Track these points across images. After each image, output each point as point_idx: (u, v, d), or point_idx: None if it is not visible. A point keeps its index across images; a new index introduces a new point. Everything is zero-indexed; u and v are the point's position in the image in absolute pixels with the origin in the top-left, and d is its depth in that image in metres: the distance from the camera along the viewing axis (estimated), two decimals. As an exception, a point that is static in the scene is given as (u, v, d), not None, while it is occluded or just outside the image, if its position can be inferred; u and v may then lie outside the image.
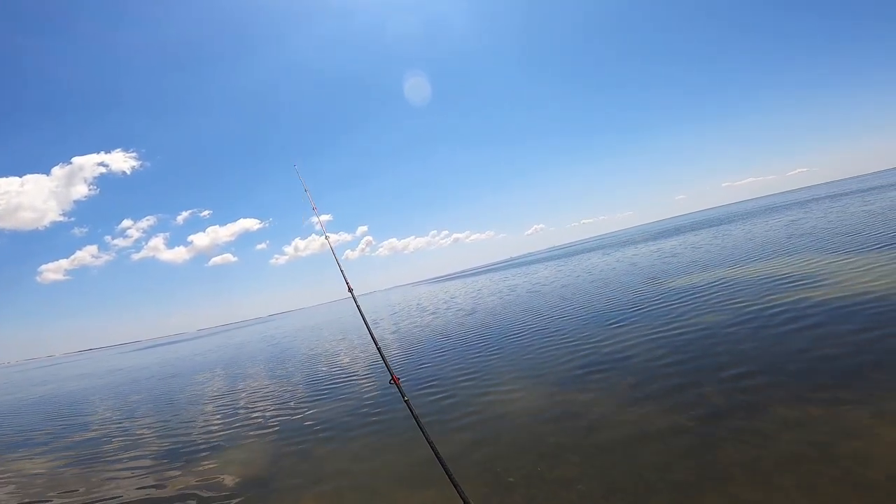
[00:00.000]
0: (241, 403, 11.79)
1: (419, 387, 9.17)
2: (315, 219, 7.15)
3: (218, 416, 10.80)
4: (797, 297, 9.41)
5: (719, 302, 10.57)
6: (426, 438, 3.16)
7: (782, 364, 6.11)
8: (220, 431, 9.46)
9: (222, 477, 6.71)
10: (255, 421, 9.71)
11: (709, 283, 13.14)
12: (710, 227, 46.09)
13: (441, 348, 13.18)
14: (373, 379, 11.27)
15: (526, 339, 11.51)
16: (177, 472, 7.33)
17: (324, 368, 14.47)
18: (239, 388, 14.40)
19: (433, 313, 24.89)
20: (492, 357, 10.52)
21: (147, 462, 8.21)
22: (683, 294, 12.51)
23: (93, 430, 11.92)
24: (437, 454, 3.02)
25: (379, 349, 4.20)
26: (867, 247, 13.26)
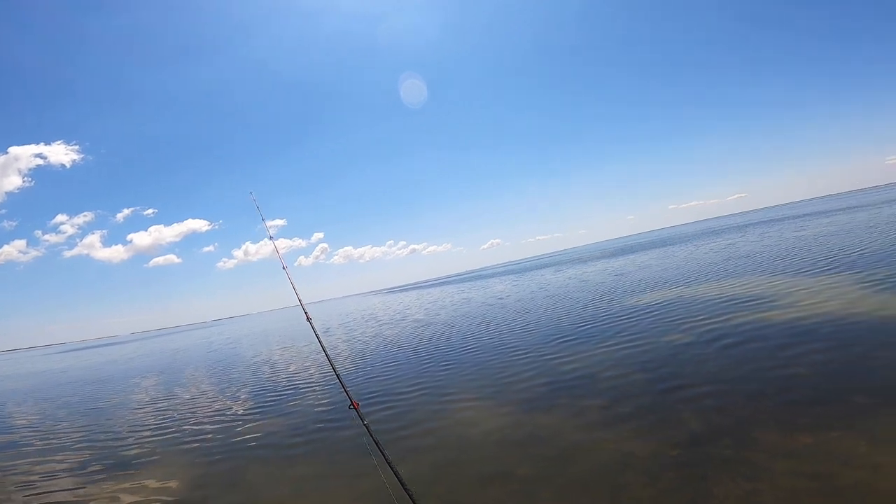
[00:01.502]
0: (169, 414, 10.66)
1: (371, 403, 8.43)
2: (278, 252, 6.49)
3: (139, 428, 9.66)
4: (754, 317, 9.46)
5: (678, 320, 10.50)
6: (391, 468, 2.98)
7: (757, 386, 5.87)
8: (139, 444, 8.44)
9: (132, 498, 5.72)
10: (183, 434, 8.72)
11: (665, 302, 13.20)
12: (658, 247, 47.84)
13: (396, 360, 12.51)
14: (323, 393, 10.35)
15: (485, 354, 11.00)
16: (80, 490, 6.31)
17: (268, 379, 13.37)
18: (169, 396, 13.17)
19: (388, 324, 24.06)
20: (450, 372, 9.93)
21: (39, 478, 7.13)
22: (641, 312, 12.46)
23: None
24: (404, 486, 2.89)
25: (338, 376, 4.00)
26: (806, 270, 13.86)
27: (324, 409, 8.99)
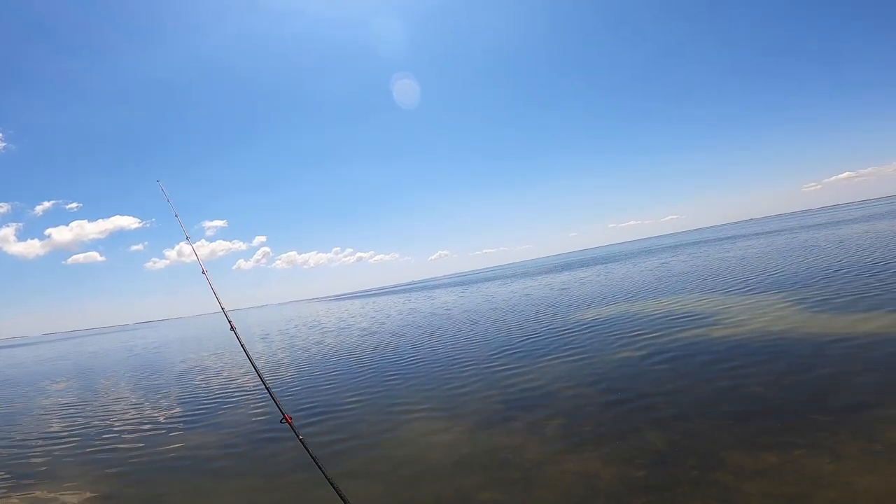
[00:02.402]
0: (80, 422, 9.54)
1: (313, 419, 7.71)
2: (191, 245, 6.00)
3: (46, 436, 8.56)
4: (695, 332, 9.69)
5: (623, 335, 10.53)
6: (331, 483, 2.84)
7: (714, 404, 5.80)
8: (45, 454, 7.51)
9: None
10: (96, 444, 7.77)
11: (608, 317, 13.37)
12: (598, 264, 49.74)
13: (339, 370, 11.79)
14: (256, 404, 9.46)
15: (435, 366, 10.54)
16: None
17: (196, 388, 12.21)
18: (81, 402, 11.85)
19: (332, 331, 23.09)
20: (399, 385, 9.35)
21: None
22: (586, 326, 12.52)
23: None
24: (340, 494, 2.78)
25: (268, 388, 3.69)
26: (733, 289, 14.65)
27: (257, 421, 8.20)
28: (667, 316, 12.00)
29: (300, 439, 3.20)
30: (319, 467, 2.98)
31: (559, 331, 12.56)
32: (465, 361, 10.52)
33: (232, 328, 4.49)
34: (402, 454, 5.75)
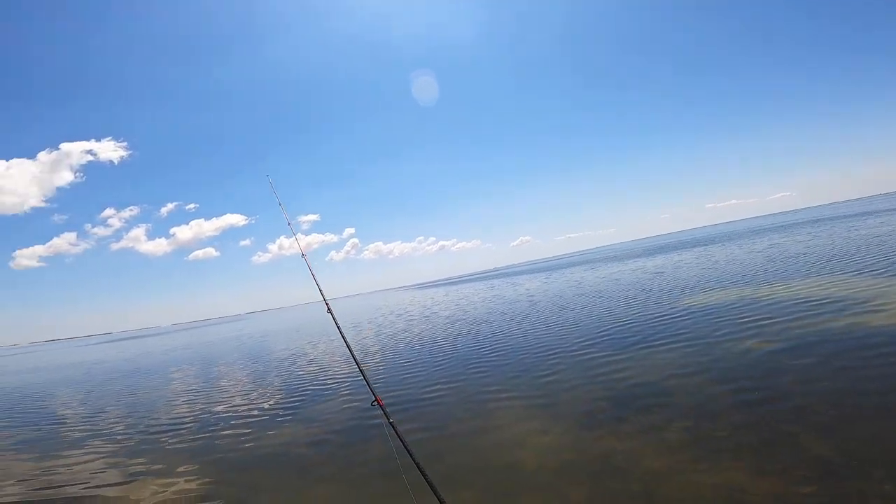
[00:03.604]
0: (197, 409, 10.10)
1: (399, 413, 7.35)
2: (293, 232, 6.53)
3: (166, 423, 9.11)
4: (853, 321, 8.03)
5: (749, 324, 9.09)
6: (415, 463, 2.77)
7: (890, 404, 4.67)
8: (162, 441, 7.85)
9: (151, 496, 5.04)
10: (206, 434, 8.08)
11: (722, 303, 11.80)
12: (696, 246, 45.58)
13: (425, 360, 11.56)
14: (347, 393, 9.57)
15: (525, 356, 9.91)
16: (115, 478, 5.72)
17: (295, 374, 12.75)
18: (207, 389, 12.69)
19: (415, 320, 23.33)
20: (487, 376, 8.88)
21: (65, 467, 6.60)
22: (697, 313, 11.14)
23: (26, 427, 10.24)
24: (434, 491, 2.60)
25: (361, 371, 3.69)
26: (883, 271, 12.19)
27: (349, 409, 8.21)
28: (798, 301, 10.29)
29: (390, 422, 3.14)
30: (409, 453, 2.87)
31: (660, 317, 11.41)
32: (558, 351, 9.83)
33: (329, 310, 4.71)
34: (495, 456, 5.20)
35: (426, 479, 2.66)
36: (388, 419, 3.18)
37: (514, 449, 5.32)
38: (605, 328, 11.39)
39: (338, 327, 4.42)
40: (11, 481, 6.60)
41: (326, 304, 4.83)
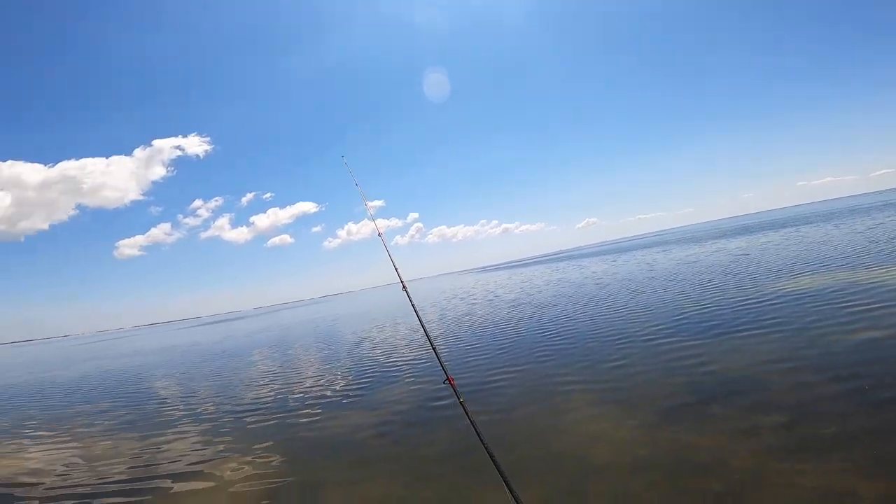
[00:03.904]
0: (276, 391, 10.65)
1: (468, 397, 7.23)
2: (368, 213, 6.42)
3: (247, 404, 9.68)
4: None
5: (858, 311, 8.03)
6: (481, 441, 2.69)
7: None
8: (245, 421, 8.36)
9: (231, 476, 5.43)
10: (279, 415, 8.47)
11: (820, 288, 10.62)
12: (784, 227, 41.62)
13: (490, 345, 11.44)
14: (415, 377, 9.73)
15: (594, 342, 9.54)
16: (209, 456, 6.24)
17: (364, 359, 13.16)
18: (284, 371, 13.38)
19: (482, 304, 23.29)
20: (554, 361, 8.62)
21: (172, 441, 7.35)
22: (790, 298, 10.10)
23: (129, 408, 11.34)
24: (494, 461, 2.58)
25: (434, 348, 3.67)
26: None
27: (419, 394, 8.26)
28: None
29: (461, 402, 3.10)
30: (478, 433, 2.79)
31: (745, 303, 10.53)
32: (629, 336, 9.37)
33: (404, 288, 4.81)
34: (563, 447, 4.95)
35: (495, 464, 2.55)
36: (459, 398, 3.14)
37: (584, 441, 5.03)
38: (681, 313, 10.72)
39: (412, 305, 4.53)
40: (116, 459, 7.21)
41: (402, 282, 4.93)
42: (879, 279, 10.39)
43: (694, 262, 23.71)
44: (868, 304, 8.45)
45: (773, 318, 8.75)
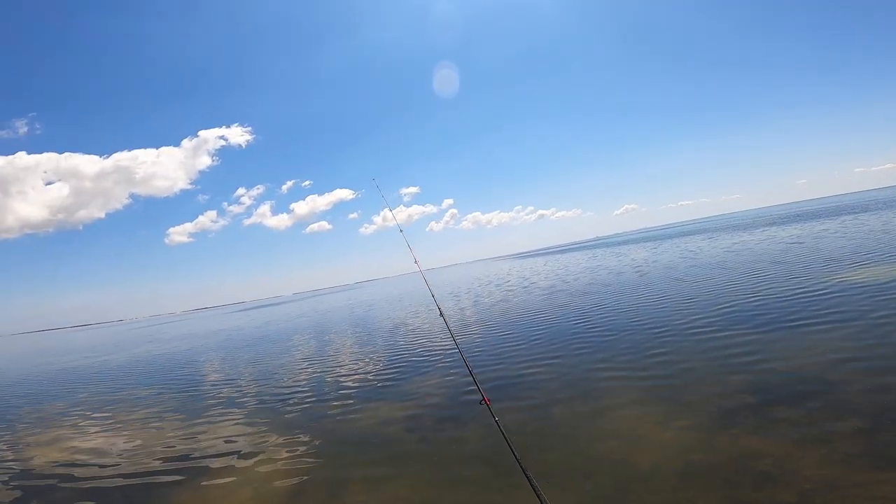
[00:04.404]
0: (311, 379, 10.68)
1: (498, 394, 6.88)
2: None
3: (284, 391, 9.75)
4: None
5: None
6: (526, 475, 2.50)
7: None
8: (281, 408, 8.38)
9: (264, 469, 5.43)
10: (319, 401, 8.47)
11: (887, 279, 9.69)
12: (841, 214, 38.97)
13: (527, 336, 10.96)
14: (448, 367, 9.50)
15: (637, 334, 9.00)
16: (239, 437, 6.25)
17: (397, 348, 13.06)
18: (320, 357, 13.47)
19: (515, 291, 22.86)
20: (594, 353, 8.19)
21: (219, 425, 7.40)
22: (861, 290, 9.20)
23: (173, 393, 11.72)
24: (533, 486, 2.39)
25: (470, 371, 3.56)
26: None
27: (451, 392, 7.92)
28: None
29: (496, 420, 3.01)
30: (517, 459, 2.66)
31: (801, 294, 9.80)
32: (674, 328, 8.85)
33: (441, 314, 4.81)
34: (605, 451, 4.50)
35: (532, 486, 2.41)
36: (495, 418, 3.06)
37: (626, 443, 4.59)
38: (730, 304, 10.06)
39: (449, 330, 4.50)
40: (155, 444, 7.40)
41: (439, 308, 4.94)
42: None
43: (742, 250, 22.49)
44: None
45: (836, 311, 8.04)
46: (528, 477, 2.46)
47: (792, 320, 8.00)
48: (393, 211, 7.45)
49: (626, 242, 66.77)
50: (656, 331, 9.00)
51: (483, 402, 3.18)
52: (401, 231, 7.18)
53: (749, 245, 24.55)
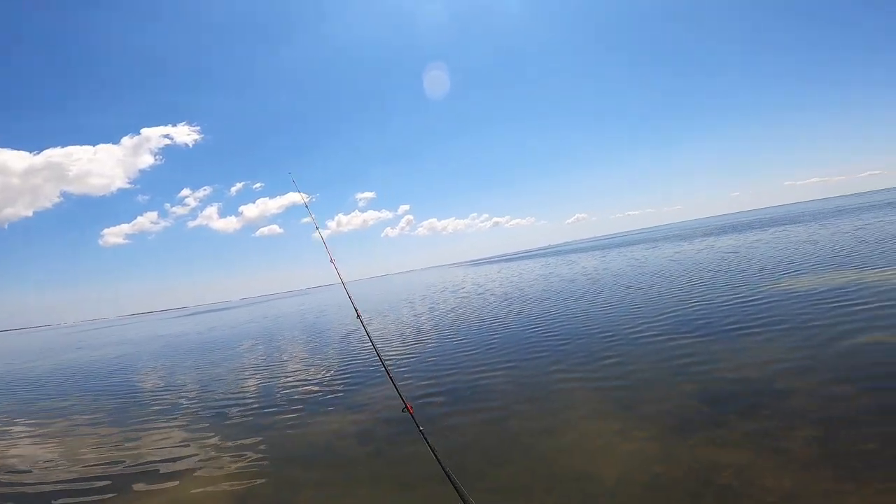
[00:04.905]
0: (256, 387, 10.06)
1: (458, 402, 6.64)
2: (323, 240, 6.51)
3: (227, 400, 9.06)
4: None
5: (866, 312, 7.63)
6: (445, 472, 2.54)
7: None
8: (225, 417, 7.66)
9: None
10: (264, 411, 7.92)
11: (817, 288, 10.26)
12: (772, 226, 41.75)
13: (483, 344, 10.75)
14: (402, 377, 9.06)
15: (592, 341, 9.03)
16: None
17: (350, 354, 12.63)
18: (268, 365, 12.81)
19: (472, 297, 22.85)
20: (555, 364, 7.98)
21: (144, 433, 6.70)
22: (797, 298, 9.63)
23: (116, 398, 10.94)
24: (456, 488, 2.40)
25: (391, 378, 3.52)
26: None
27: (405, 384, 7.71)
28: None
29: (420, 430, 2.99)
30: (439, 462, 2.65)
31: (743, 300, 10.27)
32: (627, 333, 8.95)
33: (358, 316, 4.70)
34: (567, 463, 4.30)
35: (458, 491, 2.40)
36: (419, 427, 3.02)
37: (588, 456, 4.42)
38: (677, 310, 10.39)
39: (368, 336, 4.44)
40: (88, 454, 6.82)
41: (356, 311, 4.82)
42: (873, 280, 10.11)
43: (684, 259, 23.58)
44: (868, 305, 8.13)
45: (772, 318, 8.39)
46: (452, 482, 2.45)
47: (732, 327, 8.27)
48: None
49: (576, 251, 68.74)
50: (610, 336, 9.09)
51: (405, 409, 3.13)
52: (316, 228, 6.76)
53: (689, 254, 25.76)
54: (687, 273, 17.12)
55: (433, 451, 2.79)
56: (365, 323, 4.54)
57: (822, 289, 10.15)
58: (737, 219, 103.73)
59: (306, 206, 6.82)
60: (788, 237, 26.31)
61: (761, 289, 11.37)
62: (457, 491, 2.41)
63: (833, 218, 38.10)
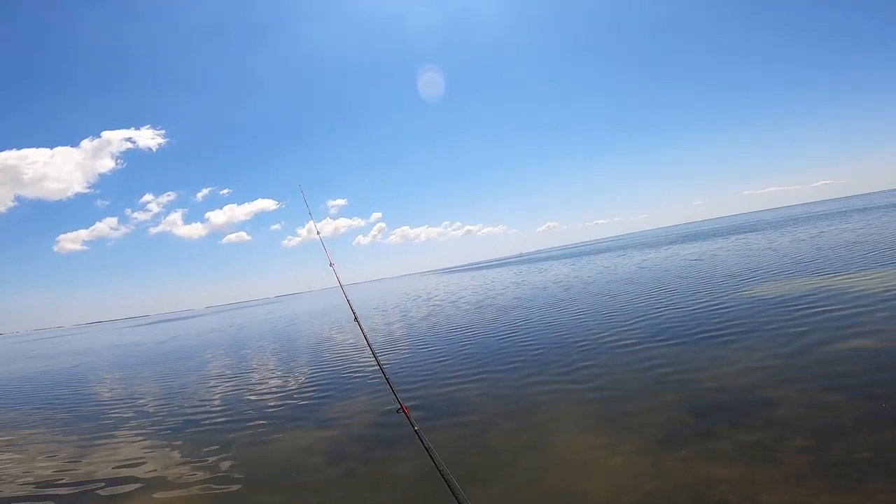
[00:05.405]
0: (222, 400, 9.45)
1: (435, 418, 6.32)
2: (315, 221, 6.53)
3: (190, 413, 8.53)
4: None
5: (840, 319, 7.67)
6: (444, 478, 2.48)
7: None
8: (186, 431, 7.18)
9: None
10: (230, 424, 7.47)
11: (785, 294, 10.43)
12: (733, 234, 43.34)
13: (459, 353, 10.48)
14: (374, 388, 8.72)
15: (571, 348, 8.86)
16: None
17: (320, 366, 12.09)
18: (234, 376, 12.19)
19: (445, 306, 22.60)
20: (529, 369, 7.88)
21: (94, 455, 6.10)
22: (765, 304, 9.74)
23: (69, 410, 10.30)
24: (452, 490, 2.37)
25: (387, 379, 3.48)
26: None
27: (375, 410, 7.34)
28: (874, 293, 8.99)
29: (416, 430, 2.96)
30: (434, 461, 2.64)
31: (712, 307, 10.38)
32: (604, 344, 8.79)
33: (356, 319, 4.42)
34: (553, 481, 4.04)
35: (452, 492, 2.37)
36: (414, 426, 2.99)
37: (574, 472, 4.17)
38: (645, 317, 10.43)
39: (366, 338, 4.13)
40: (42, 464, 6.45)
41: (354, 313, 4.57)
42: (838, 286, 10.37)
43: (651, 266, 24.05)
44: (839, 311, 8.26)
45: (745, 323, 8.47)
46: (450, 486, 2.39)
47: (707, 334, 8.25)
48: (320, 223, 7.02)
49: (547, 259, 69.52)
50: (586, 344, 8.99)
51: (400, 410, 3.09)
52: (318, 233, 6.54)
53: (656, 262, 26.29)
54: (654, 280, 17.37)
55: (431, 456, 2.72)
56: (361, 324, 4.37)
57: (790, 295, 10.33)
58: (700, 227, 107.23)
59: (310, 214, 6.79)
60: (749, 245, 27.19)
61: (731, 295, 11.53)
62: (453, 493, 2.39)
63: (790, 226, 39.79)
